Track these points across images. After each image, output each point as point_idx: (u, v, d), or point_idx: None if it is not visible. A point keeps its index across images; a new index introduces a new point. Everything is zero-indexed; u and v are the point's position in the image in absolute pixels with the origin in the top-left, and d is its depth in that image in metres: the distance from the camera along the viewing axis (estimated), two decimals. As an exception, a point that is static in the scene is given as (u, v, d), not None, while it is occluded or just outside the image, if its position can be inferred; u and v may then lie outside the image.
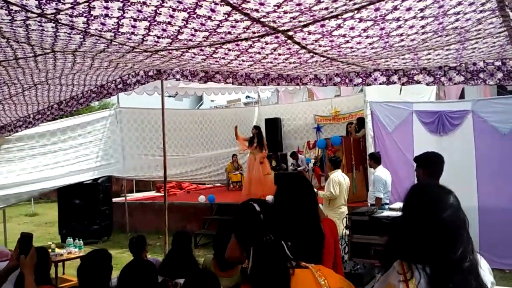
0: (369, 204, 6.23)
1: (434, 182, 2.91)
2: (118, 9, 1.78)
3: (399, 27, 2.03)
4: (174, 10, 1.82)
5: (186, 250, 3.22)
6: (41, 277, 2.52)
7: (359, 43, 2.29)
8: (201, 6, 1.77)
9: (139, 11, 1.82)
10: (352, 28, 2.04)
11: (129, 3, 1.73)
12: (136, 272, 2.16)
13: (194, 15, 1.88)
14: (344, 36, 2.17)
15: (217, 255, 3.15)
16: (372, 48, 2.42)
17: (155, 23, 2.00)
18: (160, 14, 1.87)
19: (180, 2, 1.74)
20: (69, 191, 8.87)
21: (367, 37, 2.18)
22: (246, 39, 2.29)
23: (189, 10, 1.83)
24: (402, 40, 2.26)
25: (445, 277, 1.32)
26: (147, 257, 3.82)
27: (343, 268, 2.46)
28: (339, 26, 2.02)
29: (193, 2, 1.73)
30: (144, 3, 1.73)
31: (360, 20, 1.92)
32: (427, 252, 1.36)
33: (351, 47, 2.39)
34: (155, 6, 1.78)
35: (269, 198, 8.09)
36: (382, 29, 2.05)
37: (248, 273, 1.43)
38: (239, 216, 1.64)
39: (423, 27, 2.05)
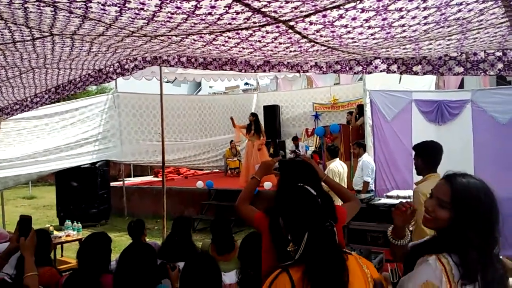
0: (355, 190, 6.32)
1: (432, 172, 2.94)
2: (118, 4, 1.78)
3: (402, 17, 2.01)
4: (172, 13, 1.85)
5: (185, 234, 3.26)
6: (42, 259, 2.55)
7: (360, 33, 2.27)
8: (201, 7, 1.77)
9: (142, 9, 1.83)
10: (354, 19, 2.03)
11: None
12: (136, 255, 2.18)
13: (194, 16, 1.89)
14: (345, 26, 2.15)
15: (215, 239, 3.18)
16: (374, 39, 2.41)
17: (154, 21, 2.01)
18: (159, 16, 1.88)
19: (179, 8, 1.75)
20: (67, 174, 8.88)
21: (369, 27, 2.16)
22: (246, 28, 2.28)
23: (188, 13, 1.84)
24: (404, 31, 2.25)
25: (477, 265, 1.33)
26: (145, 240, 3.86)
27: None
28: (341, 17, 2.00)
29: (192, 6, 1.74)
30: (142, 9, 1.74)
31: (363, 10, 1.91)
32: (463, 243, 1.36)
33: (353, 38, 2.38)
34: (153, 12, 1.79)
35: (267, 185, 8.15)
36: (384, 19, 2.04)
37: (298, 256, 1.41)
38: (294, 200, 1.55)
39: (425, 17, 2.03)
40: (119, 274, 2.13)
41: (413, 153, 3.16)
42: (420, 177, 3.10)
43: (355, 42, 2.48)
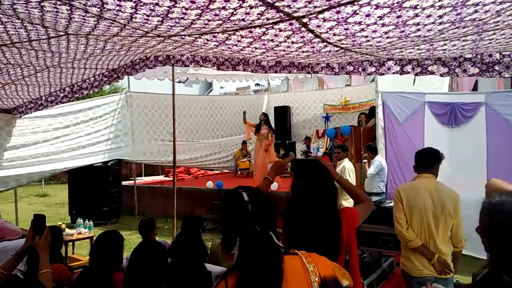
0: (366, 192, 6.27)
1: (422, 172, 3.01)
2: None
3: (416, 15, 1.99)
4: (187, 9, 1.86)
5: (195, 234, 3.26)
6: (53, 255, 2.58)
7: (374, 31, 2.26)
8: (215, 1, 1.77)
9: (157, 4, 1.84)
10: (368, 15, 2.01)
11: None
12: (147, 254, 2.19)
13: (208, 10, 1.89)
14: (359, 23, 2.14)
15: (223, 239, 3.18)
16: (387, 38, 2.39)
17: (168, 18, 2.02)
18: (173, 12, 1.88)
19: (193, 2, 1.76)
20: (79, 173, 8.99)
21: (383, 25, 2.15)
22: (259, 26, 2.28)
23: (202, 7, 1.85)
24: (418, 30, 2.22)
25: None
26: (156, 239, 3.88)
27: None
28: (354, 13, 1.99)
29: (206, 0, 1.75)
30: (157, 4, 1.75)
31: (377, 6, 1.89)
32: None
33: (366, 36, 2.36)
34: (168, 7, 1.80)
35: (273, 186, 8.12)
36: (398, 17, 2.02)
37: (234, 262, 1.41)
38: (226, 204, 1.56)
39: (440, 17, 2.01)
40: (130, 272, 2.14)
41: None
42: None
43: (368, 41, 2.47)
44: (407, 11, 1.93)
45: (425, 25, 2.14)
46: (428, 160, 3.06)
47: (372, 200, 2.55)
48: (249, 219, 1.45)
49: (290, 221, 1.94)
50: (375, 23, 2.13)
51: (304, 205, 1.96)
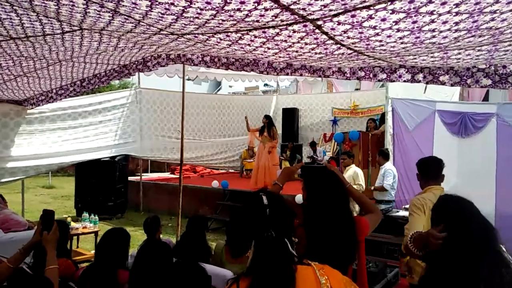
0: (376, 200, 6.20)
1: (431, 184, 2.92)
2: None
3: (432, 21, 1.97)
4: (202, 9, 1.85)
5: (200, 234, 3.26)
6: (60, 250, 2.59)
7: (389, 36, 2.23)
8: (230, 3, 1.77)
9: (172, 3, 1.85)
10: (383, 20, 1.99)
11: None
12: (153, 253, 2.19)
13: (222, 12, 1.89)
14: (374, 28, 2.12)
15: (229, 241, 3.17)
16: (402, 43, 2.36)
17: (183, 17, 2.02)
18: (188, 12, 1.88)
19: (209, 3, 1.75)
20: (86, 167, 9.04)
21: (398, 30, 2.13)
22: (273, 27, 2.27)
23: (217, 9, 1.84)
24: (433, 36, 2.20)
25: None
26: (160, 237, 3.88)
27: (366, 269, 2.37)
28: (370, 17, 1.97)
29: (222, 1, 1.74)
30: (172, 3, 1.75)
31: (393, 11, 1.87)
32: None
33: (381, 40, 2.34)
34: (183, 7, 1.80)
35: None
36: (414, 22, 2.00)
37: (248, 265, 1.40)
38: (246, 206, 1.57)
39: (456, 23, 1.99)
40: (135, 271, 2.14)
41: None
42: None
43: (382, 45, 2.44)
44: (423, 16, 1.91)
45: (441, 31, 2.11)
46: (438, 171, 3.00)
47: (380, 209, 2.53)
48: (265, 223, 1.44)
49: (312, 230, 1.93)
50: (390, 28, 2.11)
51: (322, 213, 1.95)
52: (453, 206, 1.75)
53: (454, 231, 1.63)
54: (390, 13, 1.90)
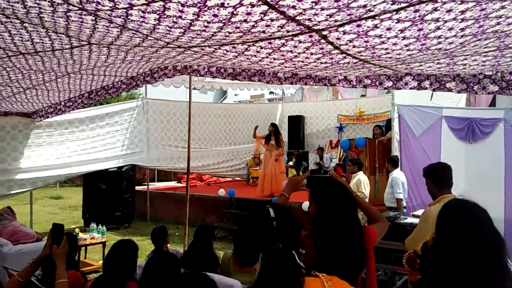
0: (386, 207, 6.15)
1: (444, 192, 2.84)
2: (157, 11, 1.82)
3: (438, 28, 1.98)
4: (209, 22, 1.87)
5: (207, 244, 3.26)
6: (68, 262, 2.60)
7: (395, 44, 2.25)
8: (237, 14, 1.79)
9: (180, 17, 1.87)
10: (389, 29, 2.01)
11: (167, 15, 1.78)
12: (161, 265, 2.20)
13: (229, 24, 1.91)
14: (379, 36, 2.13)
15: (237, 250, 3.16)
16: (407, 50, 2.37)
17: (190, 30, 2.05)
18: (195, 25, 1.91)
19: (216, 15, 1.78)
20: (94, 177, 9.08)
21: (404, 38, 2.14)
22: (279, 38, 2.29)
23: (224, 21, 1.86)
24: (439, 42, 2.21)
25: None
26: (168, 248, 3.88)
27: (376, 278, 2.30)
28: (375, 27, 1.99)
29: (228, 13, 1.76)
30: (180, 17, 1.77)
31: (398, 20, 1.89)
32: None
33: (386, 48, 2.35)
34: (190, 20, 1.82)
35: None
36: (420, 30, 2.01)
37: (256, 278, 1.40)
38: (253, 219, 1.59)
39: (462, 29, 1.99)
40: (143, 283, 2.15)
41: None
42: None
43: (388, 53, 2.45)
44: (428, 23, 1.92)
45: (447, 38, 2.12)
46: (449, 178, 2.92)
47: (386, 218, 2.51)
48: (273, 236, 1.45)
49: (321, 240, 1.91)
50: (395, 36, 2.12)
51: (332, 224, 1.93)
52: (455, 218, 1.46)
53: (454, 247, 1.40)
54: (396, 22, 1.92)
